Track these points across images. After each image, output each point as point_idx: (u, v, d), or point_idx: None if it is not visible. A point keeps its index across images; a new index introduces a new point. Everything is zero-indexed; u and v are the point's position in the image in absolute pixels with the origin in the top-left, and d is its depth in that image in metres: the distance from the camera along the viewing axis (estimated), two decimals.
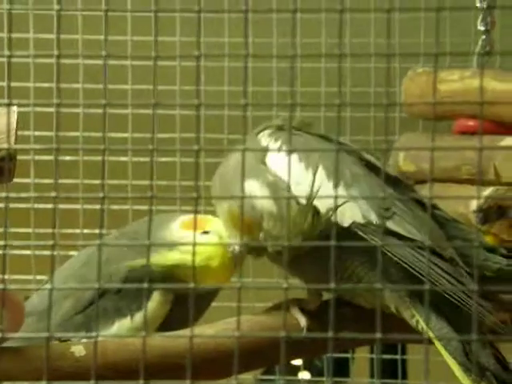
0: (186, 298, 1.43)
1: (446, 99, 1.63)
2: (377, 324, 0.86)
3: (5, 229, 0.78)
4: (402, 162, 1.76)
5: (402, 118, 1.90)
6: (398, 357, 2.04)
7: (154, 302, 1.45)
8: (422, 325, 1.27)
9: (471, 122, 1.69)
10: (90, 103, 0.98)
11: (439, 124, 1.74)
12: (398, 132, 1.84)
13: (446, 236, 1.33)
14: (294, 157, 1.31)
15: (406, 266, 1.25)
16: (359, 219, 1.28)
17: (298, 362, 2.22)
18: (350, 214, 1.28)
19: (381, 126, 1.98)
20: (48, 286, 1.48)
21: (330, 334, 0.87)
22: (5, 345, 1.18)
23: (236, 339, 0.84)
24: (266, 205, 1.31)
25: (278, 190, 1.30)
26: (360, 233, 1.27)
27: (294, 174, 1.29)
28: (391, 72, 0.94)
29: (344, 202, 1.27)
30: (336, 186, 1.28)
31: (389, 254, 1.25)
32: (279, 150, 1.32)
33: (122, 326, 1.45)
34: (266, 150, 1.32)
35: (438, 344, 1.26)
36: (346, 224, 1.28)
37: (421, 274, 1.23)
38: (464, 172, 1.65)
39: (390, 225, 1.27)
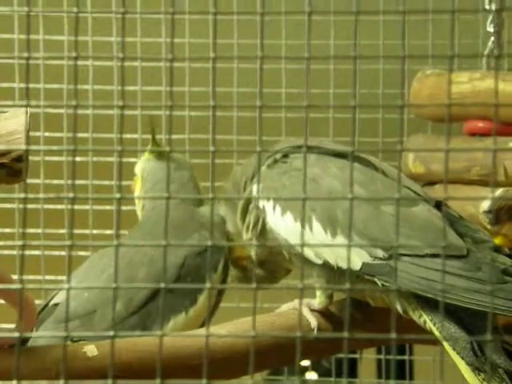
0: None
1: (455, 101, 1.63)
2: (392, 324, 0.87)
3: (23, 228, 0.79)
4: (411, 164, 1.76)
5: (409, 120, 1.90)
6: (406, 357, 2.04)
7: (205, 296, 1.50)
8: (430, 325, 1.27)
9: (481, 124, 1.69)
10: (106, 105, 0.99)
11: (451, 125, 1.74)
12: (407, 134, 1.84)
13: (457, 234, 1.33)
14: (289, 218, 1.36)
15: (420, 294, 1.26)
16: (367, 259, 1.30)
17: (305, 362, 2.22)
18: (357, 257, 1.30)
19: (389, 127, 1.98)
20: (76, 285, 1.47)
21: (346, 334, 0.88)
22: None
23: (252, 339, 0.84)
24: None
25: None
26: (368, 277, 1.30)
27: (295, 237, 1.35)
28: (405, 73, 0.95)
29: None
30: (334, 235, 1.32)
31: (402, 287, 1.27)
32: (274, 210, 1.38)
33: (177, 322, 1.48)
34: (263, 212, 1.39)
35: (445, 344, 1.25)
36: (357, 267, 1.30)
37: (436, 296, 1.24)
38: (474, 173, 1.66)
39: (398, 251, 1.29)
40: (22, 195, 0.82)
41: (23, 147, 1.01)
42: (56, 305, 1.46)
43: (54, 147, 0.84)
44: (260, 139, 0.89)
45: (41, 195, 0.84)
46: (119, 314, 1.44)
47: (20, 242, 0.83)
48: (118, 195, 0.88)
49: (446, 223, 1.31)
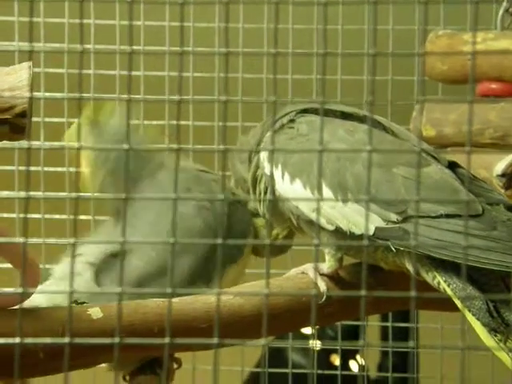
0: None
1: (470, 61, 1.60)
2: (412, 284, 0.83)
3: (27, 186, 0.75)
4: (422, 127, 1.73)
5: (420, 83, 1.86)
6: (414, 325, 2.02)
7: (249, 247, 1.58)
8: (444, 286, 1.24)
9: (494, 85, 1.67)
10: (112, 50, 0.94)
11: (462, 87, 1.71)
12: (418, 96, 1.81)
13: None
14: (298, 184, 1.33)
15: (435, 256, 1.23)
16: (380, 224, 1.26)
17: (309, 330, 2.19)
18: (370, 222, 1.26)
19: (398, 90, 1.95)
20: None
21: (363, 292, 0.84)
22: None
23: (263, 300, 0.81)
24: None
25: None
26: (381, 242, 1.26)
27: (305, 203, 1.32)
28: (424, 21, 0.91)
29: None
30: (345, 201, 1.28)
31: (417, 250, 1.23)
32: (283, 177, 1.34)
33: (231, 270, 1.54)
34: (272, 178, 1.35)
35: (460, 305, 1.23)
36: (370, 232, 1.26)
37: (454, 258, 1.21)
38: (487, 136, 1.63)
39: (411, 212, 1.25)
40: (26, 144, 0.78)
41: (28, 95, 0.97)
42: (114, 255, 1.46)
43: (58, 95, 0.80)
44: (275, 88, 0.85)
45: (44, 143, 0.80)
46: (191, 266, 1.48)
47: (23, 194, 0.80)
48: (126, 146, 0.84)
49: (460, 182, 1.28)
